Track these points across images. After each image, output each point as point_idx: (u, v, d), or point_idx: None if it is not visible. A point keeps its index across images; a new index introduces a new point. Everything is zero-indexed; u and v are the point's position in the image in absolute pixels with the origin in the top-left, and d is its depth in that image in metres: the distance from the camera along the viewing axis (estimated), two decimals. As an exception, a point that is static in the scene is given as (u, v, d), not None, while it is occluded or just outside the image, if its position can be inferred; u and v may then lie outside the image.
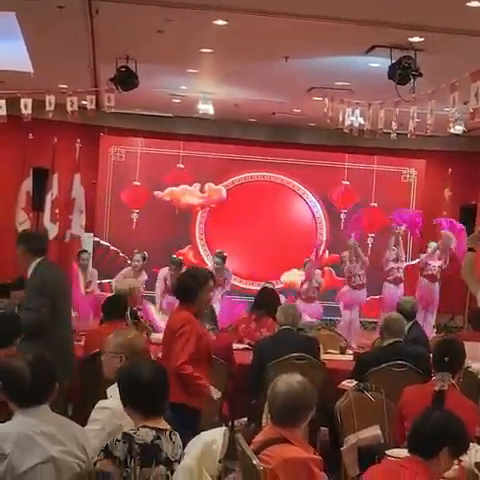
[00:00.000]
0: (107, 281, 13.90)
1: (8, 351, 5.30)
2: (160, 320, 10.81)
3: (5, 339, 5.34)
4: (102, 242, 14.63)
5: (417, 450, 3.46)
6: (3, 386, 3.46)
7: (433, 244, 12.84)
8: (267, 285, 10.75)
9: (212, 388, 5.56)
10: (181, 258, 12.69)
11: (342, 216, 15.29)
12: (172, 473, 3.68)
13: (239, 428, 7.15)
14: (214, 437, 3.81)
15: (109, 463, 3.51)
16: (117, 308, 6.88)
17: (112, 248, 14.07)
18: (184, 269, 10.80)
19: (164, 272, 12.09)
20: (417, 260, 14.33)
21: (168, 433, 3.73)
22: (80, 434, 3.54)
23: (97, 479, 3.29)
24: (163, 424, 3.78)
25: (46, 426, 3.37)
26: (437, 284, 12.85)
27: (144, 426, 3.69)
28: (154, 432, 3.67)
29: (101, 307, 7.36)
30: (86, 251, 12.99)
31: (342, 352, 8.01)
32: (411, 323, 7.57)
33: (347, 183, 15.34)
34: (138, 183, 14.94)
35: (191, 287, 5.66)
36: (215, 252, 12.78)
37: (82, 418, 4.47)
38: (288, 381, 3.89)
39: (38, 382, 3.44)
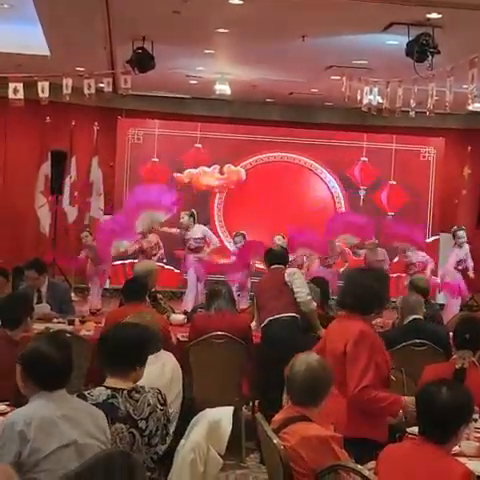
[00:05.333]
0: (120, 263, 13.95)
1: (19, 332, 5.35)
2: None
3: (15, 320, 5.37)
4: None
5: (432, 436, 3.35)
6: (28, 369, 3.45)
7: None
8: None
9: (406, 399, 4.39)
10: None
11: (361, 193, 15.22)
12: (138, 430, 3.79)
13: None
14: (220, 416, 3.84)
15: None
16: (136, 290, 6.87)
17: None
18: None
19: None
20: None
21: (126, 392, 3.82)
22: (99, 417, 3.54)
23: (121, 459, 3.29)
24: (124, 384, 3.87)
25: (66, 409, 3.37)
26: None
27: (100, 385, 3.83)
28: (109, 391, 3.79)
29: (121, 290, 7.36)
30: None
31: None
32: (424, 300, 7.52)
33: (365, 159, 15.26)
34: (156, 159, 14.93)
35: (376, 293, 4.61)
36: (233, 234, 12.82)
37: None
38: (306, 360, 3.89)
39: (66, 365, 3.46)
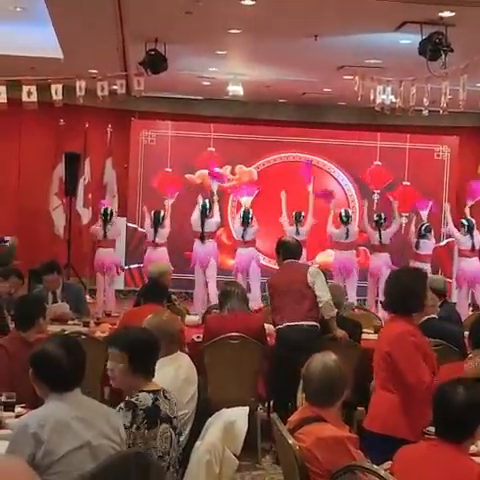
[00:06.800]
0: (137, 266, 14.04)
1: (33, 333, 5.36)
2: None
3: (27, 321, 5.38)
4: (134, 226, 14.71)
5: (449, 436, 3.35)
6: (39, 372, 3.46)
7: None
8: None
9: None
10: None
11: (375, 197, 15.19)
12: (174, 429, 3.89)
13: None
14: (235, 417, 3.85)
15: None
16: (155, 292, 6.89)
17: (140, 229, 14.15)
18: None
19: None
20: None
21: (162, 393, 3.92)
22: (113, 416, 3.55)
23: (136, 460, 3.29)
24: (156, 385, 3.95)
25: (80, 410, 3.36)
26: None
27: (141, 391, 3.85)
28: (152, 394, 3.85)
29: (139, 291, 7.39)
30: None
31: (376, 331, 7.96)
32: (442, 301, 7.50)
33: (379, 163, 15.24)
34: (169, 169, 14.93)
35: (413, 293, 4.65)
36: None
37: (119, 401, 4.50)
38: (323, 360, 3.89)
39: (75, 366, 3.44)
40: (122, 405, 3.77)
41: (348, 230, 12.97)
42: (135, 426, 3.72)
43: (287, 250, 7.06)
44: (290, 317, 6.65)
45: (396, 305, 4.66)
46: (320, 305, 6.67)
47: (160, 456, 3.79)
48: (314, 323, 6.66)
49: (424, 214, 13.43)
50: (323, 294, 6.69)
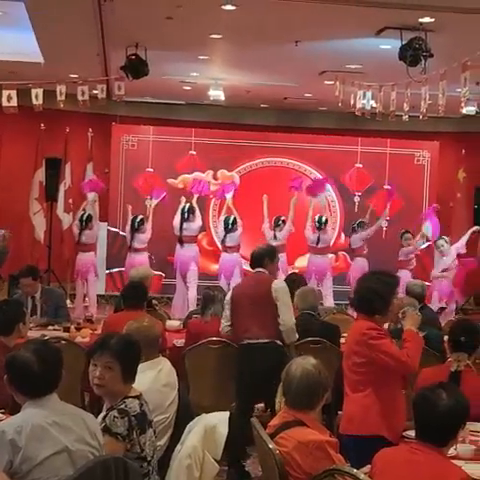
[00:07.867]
0: (117, 270, 14.01)
1: (13, 338, 5.33)
2: None
3: (7, 326, 5.36)
4: (116, 231, 14.66)
5: (431, 440, 3.35)
6: (11, 379, 3.41)
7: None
8: (294, 271, 10.80)
9: None
10: None
11: (356, 199, 15.23)
12: (154, 433, 3.92)
13: (256, 413, 7.13)
14: (216, 421, 3.86)
15: (113, 441, 3.67)
16: (136, 296, 6.85)
17: (121, 233, 14.12)
18: None
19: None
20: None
21: (142, 397, 3.91)
22: (90, 422, 3.51)
23: (115, 466, 3.29)
24: (136, 390, 3.94)
25: (57, 416, 3.33)
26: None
27: (126, 397, 3.83)
28: (137, 400, 3.85)
29: (120, 294, 7.36)
30: None
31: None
32: (421, 305, 7.53)
33: (360, 165, 15.28)
34: (151, 169, 14.90)
35: (377, 294, 4.60)
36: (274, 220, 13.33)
37: (99, 406, 4.48)
38: (303, 364, 3.90)
39: (46, 372, 3.39)
40: (116, 414, 3.74)
41: (319, 237, 13.00)
42: (132, 433, 3.72)
43: (252, 259, 6.60)
44: (249, 332, 6.22)
45: (361, 305, 4.68)
46: (282, 329, 6.19)
47: (148, 461, 3.78)
48: (275, 340, 6.22)
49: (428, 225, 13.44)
50: (287, 318, 6.21)
